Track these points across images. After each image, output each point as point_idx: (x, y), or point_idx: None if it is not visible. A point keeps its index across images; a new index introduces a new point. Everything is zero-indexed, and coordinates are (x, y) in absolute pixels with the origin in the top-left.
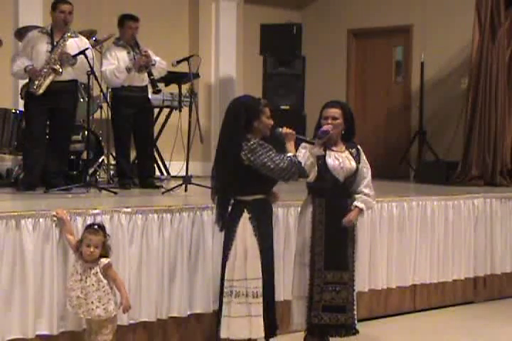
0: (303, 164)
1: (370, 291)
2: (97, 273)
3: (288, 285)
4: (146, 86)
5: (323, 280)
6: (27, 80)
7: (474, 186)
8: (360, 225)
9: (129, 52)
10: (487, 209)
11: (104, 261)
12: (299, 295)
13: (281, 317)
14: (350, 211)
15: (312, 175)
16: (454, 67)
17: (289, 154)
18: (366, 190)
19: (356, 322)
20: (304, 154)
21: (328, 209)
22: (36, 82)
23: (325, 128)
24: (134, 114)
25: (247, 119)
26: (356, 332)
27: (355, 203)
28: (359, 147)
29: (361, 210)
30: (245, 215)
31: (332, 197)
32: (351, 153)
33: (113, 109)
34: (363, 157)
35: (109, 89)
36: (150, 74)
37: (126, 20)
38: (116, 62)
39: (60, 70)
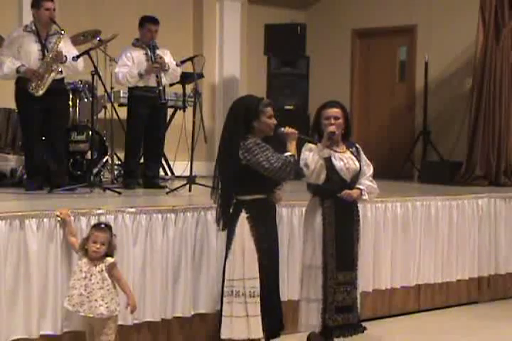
0: (313, 167)
1: (374, 291)
2: (102, 271)
3: (292, 286)
4: (163, 89)
5: (336, 282)
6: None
7: (478, 186)
8: (365, 225)
9: (146, 53)
10: (491, 209)
11: (109, 259)
12: (309, 298)
13: (285, 317)
14: (357, 211)
15: (322, 177)
16: (458, 67)
17: (286, 154)
18: (367, 181)
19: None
20: (313, 156)
21: (337, 210)
22: (37, 82)
23: (332, 128)
24: (148, 114)
25: (246, 119)
26: (364, 328)
27: (357, 185)
28: (357, 145)
29: (362, 192)
30: (243, 215)
31: (340, 198)
32: (352, 153)
33: (128, 109)
34: (363, 155)
35: (113, 89)
36: (158, 84)
37: (146, 23)
38: (130, 64)
39: (60, 69)
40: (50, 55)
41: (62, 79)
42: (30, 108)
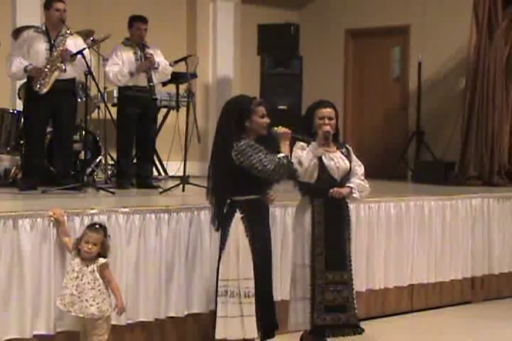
0: (307, 165)
1: (367, 291)
2: (93, 271)
3: (285, 286)
4: (153, 86)
5: (325, 281)
6: (24, 80)
7: (472, 186)
8: (358, 225)
9: (135, 53)
10: (484, 209)
11: (102, 260)
12: (299, 296)
13: (279, 317)
14: (348, 211)
15: (315, 176)
16: (452, 67)
17: (279, 155)
18: (358, 180)
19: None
20: (308, 155)
21: (327, 209)
22: (41, 81)
23: (328, 128)
24: (138, 114)
25: (238, 120)
26: (362, 330)
27: (347, 184)
28: (348, 146)
29: (351, 190)
30: (237, 215)
31: (330, 198)
32: (342, 153)
33: (118, 109)
34: (353, 156)
35: (107, 89)
36: (149, 80)
37: (134, 22)
38: (120, 63)
39: (64, 67)
40: (55, 53)
41: (73, 79)
42: (36, 108)
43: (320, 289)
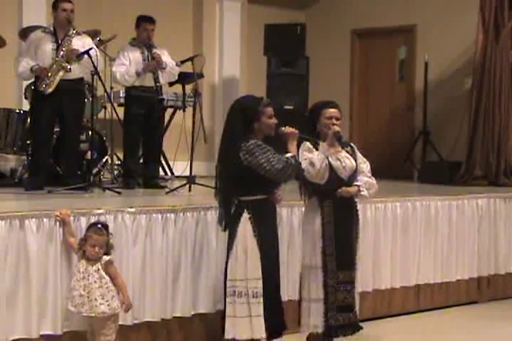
0: (319, 166)
1: (373, 291)
2: (98, 269)
3: (292, 285)
4: (160, 87)
5: (336, 281)
6: (31, 80)
7: (478, 186)
8: (364, 225)
9: (142, 53)
10: (491, 209)
11: (105, 258)
12: (311, 298)
13: (287, 317)
14: (356, 211)
15: (326, 177)
16: (458, 67)
17: (287, 155)
18: (365, 178)
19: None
20: (319, 156)
21: (336, 209)
22: (46, 81)
23: (338, 128)
24: (145, 114)
25: (246, 120)
26: (361, 328)
27: (354, 182)
28: (352, 144)
29: (359, 188)
30: (245, 215)
31: (338, 198)
32: (347, 152)
33: (125, 109)
34: (358, 153)
35: (113, 89)
36: (156, 81)
37: (141, 22)
38: (127, 63)
39: (69, 67)
40: (61, 53)
41: (81, 79)
42: (42, 108)
43: (332, 289)
